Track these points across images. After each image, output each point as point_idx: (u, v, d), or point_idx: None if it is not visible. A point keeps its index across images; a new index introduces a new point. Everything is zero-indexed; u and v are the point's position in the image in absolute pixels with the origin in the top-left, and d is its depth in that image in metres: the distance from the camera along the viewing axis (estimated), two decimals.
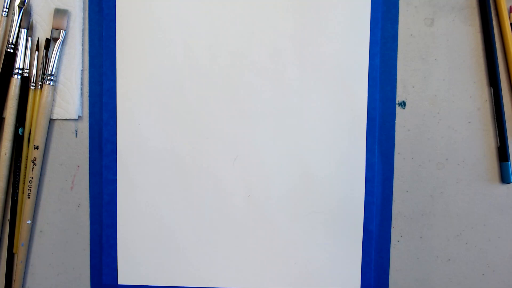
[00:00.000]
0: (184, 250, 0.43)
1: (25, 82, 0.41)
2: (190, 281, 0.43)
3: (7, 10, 0.41)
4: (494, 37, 0.41)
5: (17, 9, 0.41)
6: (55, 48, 0.41)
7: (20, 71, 0.41)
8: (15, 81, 0.41)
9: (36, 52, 0.41)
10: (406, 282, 0.43)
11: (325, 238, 0.42)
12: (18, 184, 0.42)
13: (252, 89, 0.42)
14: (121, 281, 0.43)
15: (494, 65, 0.41)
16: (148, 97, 0.42)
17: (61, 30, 0.41)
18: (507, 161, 0.41)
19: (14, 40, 0.41)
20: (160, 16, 0.42)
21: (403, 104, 0.42)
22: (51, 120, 0.42)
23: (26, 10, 0.41)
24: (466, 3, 0.42)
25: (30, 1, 0.42)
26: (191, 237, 0.42)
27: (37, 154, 0.41)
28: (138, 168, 0.42)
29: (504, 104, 0.41)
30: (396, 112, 0.42)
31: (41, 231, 0.43)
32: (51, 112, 0.42)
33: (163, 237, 0.43)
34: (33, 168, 0.41)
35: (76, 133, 0.43)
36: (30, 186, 0.41)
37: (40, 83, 0.41)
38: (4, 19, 0.41)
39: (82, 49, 0.42)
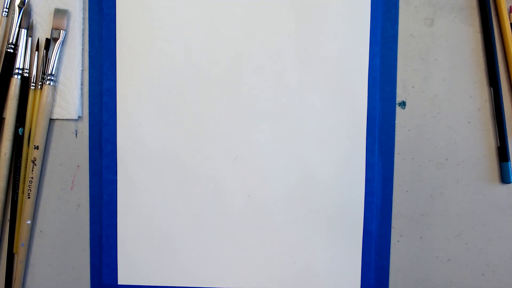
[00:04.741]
0: (184, 250, 0.43)
1: (25, 82, 0.41)
2: (190, 281, 0.43)
3: (7, 10, 0.41)
4: (494, 37, 0.41)
5: (17, 9, 0.41)
6: (55, 48, 0.41)
7: (20, 71, 0.41)
8: (15, 81, 0.41)
9: (36, 52, 0.41)
10: (406, 282, 0.43)
11: (325, 238, 0.42)
12: (18, 184, 0.42)
13: (252, 89, 0.42)
14: (121, 281, 0.43)
15: (494, 65, 0.41)
16: (148, 97, 0.42)
17: (61, 30, 0.41)
18: (507, 161, 0.41)
19: (14, 40, 0.41)
20: (160, 16, 0.42)
21: (403, 104, 0.42)
22: (51, 120, 0.42)
23: (26, 10, 0.41)
24: (466, 3, 0.42)
25: (30, 1, 0.42)
26: (191, 237, 0.42)
27: (37, 154, 0.41)
28: (138, 168, 0.42)
29: (504, 104, 0.41)
30: (396, 112, 0.42)
31: (41, 231, 0.43)
32: (51, 112, 0.42)
33: (163, 237, 0.43)
34: (33, 168, 0.41)
35: (76, 133, 0.43)
36: (30, 186, 0.41)
37: (40, 83, 0.41)
38: (4, 19, 0.41)
39: (82, 49, 0.42)
